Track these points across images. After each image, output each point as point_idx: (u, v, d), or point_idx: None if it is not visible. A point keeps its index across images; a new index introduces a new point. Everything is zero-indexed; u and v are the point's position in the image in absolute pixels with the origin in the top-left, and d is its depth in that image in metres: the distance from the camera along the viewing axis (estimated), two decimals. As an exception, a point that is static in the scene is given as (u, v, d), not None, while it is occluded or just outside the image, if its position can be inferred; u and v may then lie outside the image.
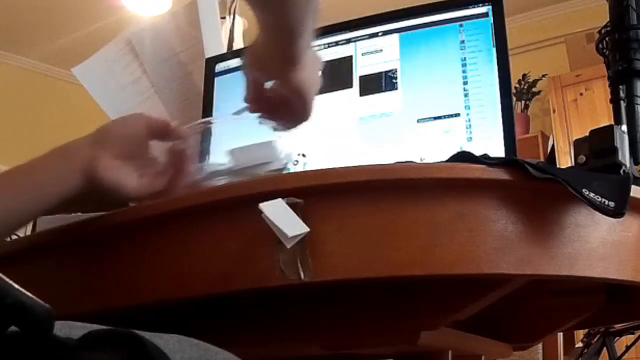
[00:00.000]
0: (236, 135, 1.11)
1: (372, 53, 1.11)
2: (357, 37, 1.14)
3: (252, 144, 0.85)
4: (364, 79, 1.10)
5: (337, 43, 1.14)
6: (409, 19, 1.11)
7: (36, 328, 0.39)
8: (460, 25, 1.06)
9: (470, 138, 1.01)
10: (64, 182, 0.74)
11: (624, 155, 0.76)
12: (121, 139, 0.76)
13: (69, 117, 4.36)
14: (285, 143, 0.83)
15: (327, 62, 1.14)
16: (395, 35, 1.11)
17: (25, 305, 0.39)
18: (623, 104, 0.97)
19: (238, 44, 1.68)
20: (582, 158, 0.77)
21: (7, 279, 0.39)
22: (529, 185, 0.65)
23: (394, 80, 1.08)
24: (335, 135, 1.10)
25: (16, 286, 0.39)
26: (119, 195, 0.76)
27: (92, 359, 0.40)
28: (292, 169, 1.11)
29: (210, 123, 1.09)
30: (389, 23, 1.12)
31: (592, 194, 0.64)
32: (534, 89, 4.04)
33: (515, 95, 3.93)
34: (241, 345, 0.75)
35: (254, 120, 0.81)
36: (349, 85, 1.11)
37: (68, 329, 0.42)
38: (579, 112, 3.73)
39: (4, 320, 0.38)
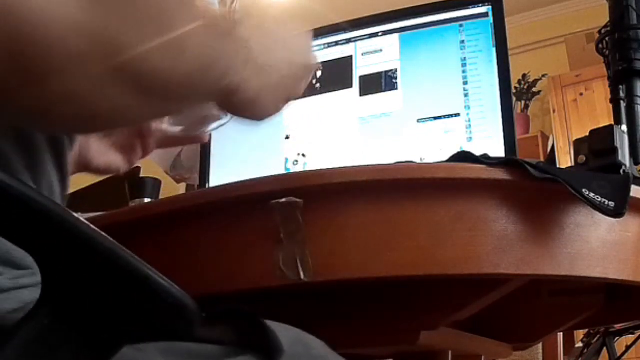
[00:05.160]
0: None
1: (372, 53, 1.11)
2: (357, 37, 1.13)
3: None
4: (364, 79, 1.10)
5: (337, 43, 1.14)
6: (409, 19, 1.11)
7: (189, 328, 0.38)
8: (460, 25, 1.06)
9: (470, 138, 1.01)
10: None
11: (624, 155, 0.75)
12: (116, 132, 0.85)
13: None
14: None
15: (327, 62, 1.14)
16: (395, 35, 1.11)
17: (187, 307, 0.37)
18: (623, 104, 0.97)
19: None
20: (582, 158, 0.77)
21: (166, 279, 0.37)
22: (529, 185, 0.65)
23: (394, 80, 1.08)
24: (335, 135, 1.10)
25: (175, 286, 0.37)
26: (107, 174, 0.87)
27: (208, 334, 0.40)
28: (292, 169, 1.11)
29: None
30: (389, 23, 1.12)
31: (592, 194, 0.64)
32: (534, 89, 4.04)
33: (515, 95, 3.93)
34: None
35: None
36: (349, 85, 1.11)
37: None
38: (579, 112, 3.73)
39: (165, 321, 0.37)
